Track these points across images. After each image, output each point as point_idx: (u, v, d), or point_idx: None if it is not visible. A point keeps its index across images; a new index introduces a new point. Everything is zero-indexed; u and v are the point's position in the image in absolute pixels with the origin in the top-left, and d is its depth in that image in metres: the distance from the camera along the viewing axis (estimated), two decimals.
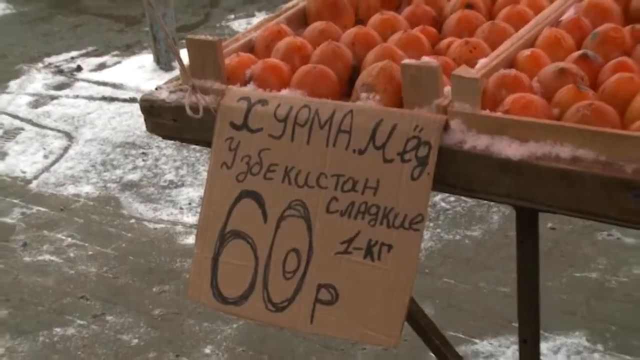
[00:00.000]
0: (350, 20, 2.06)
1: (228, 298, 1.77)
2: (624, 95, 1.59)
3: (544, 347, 2.84)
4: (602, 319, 3.16)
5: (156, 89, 1.99)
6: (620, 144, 1.48)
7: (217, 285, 1.79)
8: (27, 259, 3.94)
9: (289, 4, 2.16)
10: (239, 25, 6.64)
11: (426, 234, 3.74)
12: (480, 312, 3.26)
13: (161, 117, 1.95)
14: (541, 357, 2.64)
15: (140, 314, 3.46)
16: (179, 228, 4.05)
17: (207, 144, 1.87)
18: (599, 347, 3.03)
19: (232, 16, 6.95)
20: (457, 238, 3.75)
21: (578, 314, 3.19)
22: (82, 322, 3.45)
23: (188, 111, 1.82)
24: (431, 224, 3.82)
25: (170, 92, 1.94)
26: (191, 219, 4.09)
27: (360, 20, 2.06)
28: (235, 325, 3.31)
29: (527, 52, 1.76)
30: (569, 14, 1.89)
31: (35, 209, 4.38)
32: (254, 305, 1.74)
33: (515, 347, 2.73)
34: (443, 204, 3.97)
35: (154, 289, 3.62)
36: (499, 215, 3.82)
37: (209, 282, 1.79)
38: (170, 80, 2.02)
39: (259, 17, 6.55)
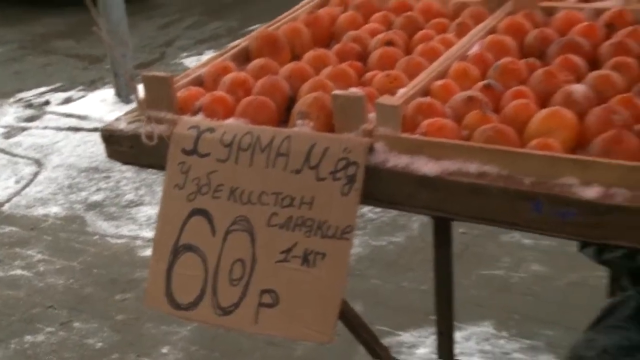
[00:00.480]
0: (287, 56, 2.04)
1: (181, 304, 1.72)
2: (522, 118, 1.60)
3: (457, 335, 2.85)
4: (506, 309, 3.18)
5: (116, 120, 1.94)
6: (520, 160, 1.48)
7: (171, 293, 1.74)
8: (0, 274, 3.81)
9: (234, 44, 2.13)
10: (191, 62, 6.56)
11: (356, 241, 3.73)
12: (403, 307, 3.26)
13: (120, 145, 1.89)
14: (455, 345, 2.65)
15: (104, 320, 3.37)
16: (139, 242, 3.97)
17: (162, 167, 1.82)
18: (504, 334, 3.06)
19: (185, 54, 6.87)
20: (383, 244, 3.75)
21: (486, 306, 3.21)
22: (50, 330, 3.34)
23: (144, 139, 1.78)
24: (360, 232, 3.81)
25: (128, 122, 1.89)
26: (149, 233, 4.00)
27: (296, 57, 2.03)
28: (189, 328, 3.24)
29: (439, 82, 1.76)
30: (474, 49, 1.90)
31: (8, 229, 4.24)
32: (204, 310, 1.69)
33: (434, 337, 2.73)
34: (370, 215, 3.97)
35: (117, 297, 3.53)
36: (418, 223, 3.82)
37: (163, 291, 1.74)
38: (129, 112, 1.96)
39: (208, 55, 6.49)
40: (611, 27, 1.88)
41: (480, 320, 3.12)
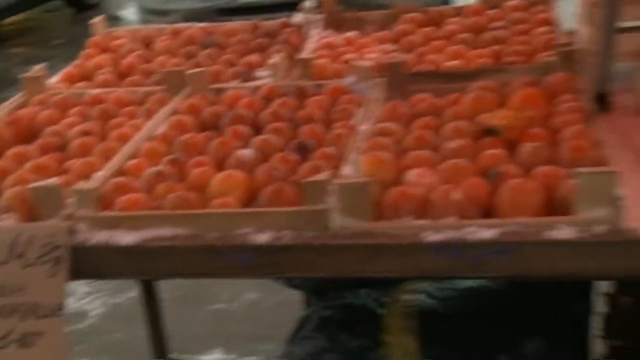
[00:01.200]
0: None
1: None
2: (203, 183, 1.57)
3: None
4: (231, 335, 3.15)
5: None
6: (204, 220, 1.45)
7: None
8: None
9: None
10: None
11: (97, 302, 3.49)
12: (144, 354, 3.07)
13: None
14: None
15: None
16: None
17: None
18: (232, 356, 3.02)
19: None
20: (121, 300, 3.53)
21: (215, 336, 3.15)
22: None
23: None
24: (101, 293, 3.56)
25: None
26: None
27: None
28: None
29: (132, 161, 1.68)
30: (160, 130, 1.85)
31: None
32: None
33: None
34: None
35: None
36: None
37: None
38: None
39: None
40: (267, 99, 1.95)
41: (212, 348, 3.06)
